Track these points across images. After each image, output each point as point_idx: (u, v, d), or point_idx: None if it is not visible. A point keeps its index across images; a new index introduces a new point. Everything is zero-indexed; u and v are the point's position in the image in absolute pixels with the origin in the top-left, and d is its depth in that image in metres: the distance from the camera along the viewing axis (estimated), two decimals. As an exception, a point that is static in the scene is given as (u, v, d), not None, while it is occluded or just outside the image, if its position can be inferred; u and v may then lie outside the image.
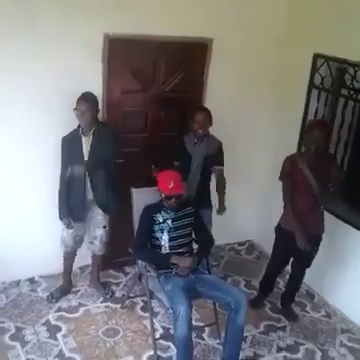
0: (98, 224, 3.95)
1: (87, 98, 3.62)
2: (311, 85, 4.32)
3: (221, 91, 4.25)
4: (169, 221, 3.59)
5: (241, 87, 4.39)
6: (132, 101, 4.12)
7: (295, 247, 3.78)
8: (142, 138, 4.28)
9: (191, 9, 3.97)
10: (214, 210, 4.18)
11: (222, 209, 4.14)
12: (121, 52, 3.89)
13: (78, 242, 4.02)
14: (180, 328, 3.24)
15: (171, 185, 3.50)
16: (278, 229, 3.97)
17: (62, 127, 3.72)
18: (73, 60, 3.73)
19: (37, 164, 3.91)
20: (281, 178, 3.85)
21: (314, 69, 4.26)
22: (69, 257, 4.10)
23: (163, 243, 3.59)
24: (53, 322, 3.84)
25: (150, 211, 3.63)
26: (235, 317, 3.38)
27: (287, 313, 4.21)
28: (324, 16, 4.10)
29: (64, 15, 3.59)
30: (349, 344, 3.95)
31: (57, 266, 4.12)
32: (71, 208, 3.82)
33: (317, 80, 4.28)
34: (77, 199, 3.81)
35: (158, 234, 3.59)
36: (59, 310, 3.98)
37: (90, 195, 3.83)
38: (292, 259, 4.05)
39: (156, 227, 3.59)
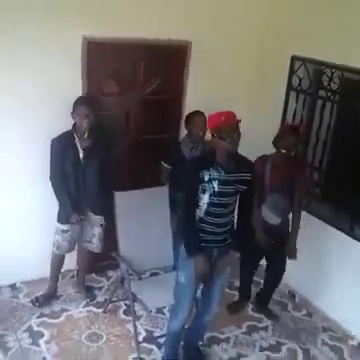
0: (95, 222, 3.93)
1: (89, 102, 3.62)
2: (289, 87, 4.38)
3: (201, 93, 4.25)
4: (215, 183, 2.98)
5: (220, 89, 4.40)
6: (112, 104, 4.11)
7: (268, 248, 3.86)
8: (123, 141, 4.25)
9: (170, 12, 3.99)
10: None
11: None
12: (100, 55, 3.88)
13: (73, 245, 3.97)
14: (174, 324, 3.41)
15: (223, 117, 2.98)
16: None
17: (39, 130, 3.73)
18: (52, 63, 3.70)
19: (17, 169, 3.86)
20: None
21: (292, 71, 4.32)
22: (58, 261, 4.02)
23: (201, 204, 3.05)
24: (35, 328, 3.81)
25: (197, 165, 3.05)
26: (202, 315, 3.49)
27: (268, 313, 4.25)
28: (301, 19, 4.15)
29: (42, 18, 3.57)
30: (330, 342, 4.01)
31: (39, 271, 4.09)
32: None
33: (295, 82, 4.34)
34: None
35: (199, 193, 3.05)
36: (41, 316, 3.94)
37: (83, 197, 3.80)
38: (266, 266, 4.12)
39: (199, 185, 3.03)
